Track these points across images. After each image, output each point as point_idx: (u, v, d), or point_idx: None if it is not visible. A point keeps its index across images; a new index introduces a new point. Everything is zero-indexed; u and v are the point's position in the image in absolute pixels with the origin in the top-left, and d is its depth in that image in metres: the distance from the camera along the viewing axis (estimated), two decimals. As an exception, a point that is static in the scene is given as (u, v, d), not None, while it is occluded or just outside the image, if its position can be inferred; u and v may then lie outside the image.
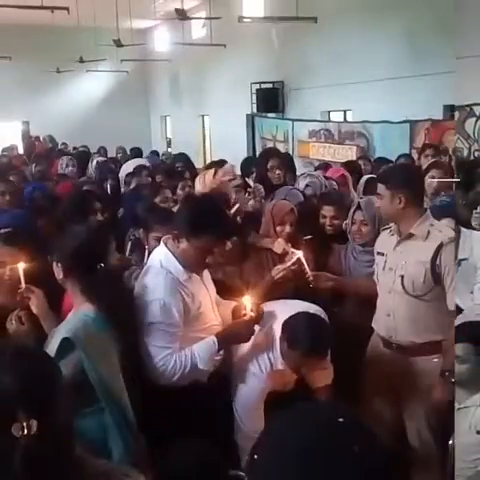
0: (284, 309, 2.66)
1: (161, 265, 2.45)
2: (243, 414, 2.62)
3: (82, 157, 9.38)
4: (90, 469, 1.17)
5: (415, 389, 2.88)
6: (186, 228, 2.42)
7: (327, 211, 3.62)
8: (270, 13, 11.21)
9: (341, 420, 0.88)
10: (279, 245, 3.12)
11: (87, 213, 3.66)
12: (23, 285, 2.41)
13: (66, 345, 2.10)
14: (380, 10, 9.47)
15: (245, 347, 2.62)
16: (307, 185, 4.31)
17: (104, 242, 2.55)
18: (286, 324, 2.54)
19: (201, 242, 2.41)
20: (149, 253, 3.23)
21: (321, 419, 0.91)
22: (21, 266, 2.43)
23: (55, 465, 1.05)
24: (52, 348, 2.10)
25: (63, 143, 13.51)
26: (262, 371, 2.61)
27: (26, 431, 1.01)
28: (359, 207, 3.30)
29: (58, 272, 2.28)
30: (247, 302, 2.51)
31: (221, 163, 5.27)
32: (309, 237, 3.37)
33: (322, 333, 2.49)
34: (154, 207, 3.98)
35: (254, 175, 4.59)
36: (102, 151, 11.15)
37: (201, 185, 4.00)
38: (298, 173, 5.20)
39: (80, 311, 2.22)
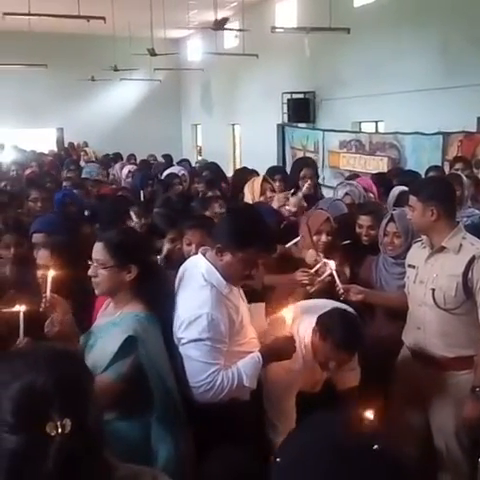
0: (318, 306, 2.72)
1: (204, 279, 2.37)
2: (275, 413, 2.61)
3: (106, 163, 9.69)
4: (118, 471, 1.18)
5: (444, 404, 2.84)
6: (232, 241, 2.36)
7: (364, 221, 3.59)
8: (303, 23, 11.23)
9: (361, 423, 0.93)
10: (310, 256, 3.13)
11: (124, 218, 3.75)
12: (48, 294, 2.40)
13: (129, 343, 2.15)
14: (414, 21, 9.42)
15: None
16: (346, 193, 4.32)
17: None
18: (320, 317, 2.59)
19: (247, 255, 2.36)
20: (164, 260, 3.27)
21: (342, 422, 0.95)
22: (50, 274, 2.44)
23: (86, 464, 1.07)
24: (103, 350, 2.17)
25: (83, 150, 13.67)
26: (292, 368, 2.59)
27: (60, 430, 1.03)
28: (392, 219, 3.27)
29: (123, 275, 2.26)
30: (287, 315, 2.48)
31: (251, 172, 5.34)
32: (348, 242, 3.37)
33: (354, 328, 2.54)
34: (188, 212, 4.04)
35: (277, 183, 4.61)
36: (133, 159, 11.32)
37: (249, 191, 4.00)
38: (329, 183, 5.22)
39: (126, 311, 2.27)
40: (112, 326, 2.26)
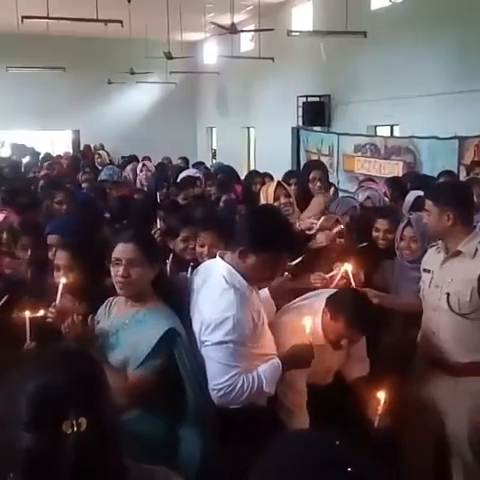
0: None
1: (227, 281, 2.34)
2: (285, 394, 2.59)
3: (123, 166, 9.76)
4: (133, 470, 1.20)
5: (458, 409, 2.83)
6: (256, 243, 2.34)
7: (381, 224, 3.56)
8: (319, 27, 11.23)
9: (337, 443, 0.91)
10: (321, 237, 3.17)
11: (152, 219, 3.82)
12: (57, 302, 2.39)
13: (167, 337, 2.17)
14: (430, 25, 9.37)
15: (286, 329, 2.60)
16: (368, 197, 4.33)
17: None
18: (330, 298, 2.61)
19: (271, 256, 2.35)
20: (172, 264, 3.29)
21: (318, 443, 0.93)
22: (62, 281, 2.45)
23: (101, 462, 1.09)
24: (135, 346, 2.19)
25: (97, 152, 13.80)
26: None
27: (76, 428, 1.04)
28: (409, 223, 3.26)
29: (152, 274, 2.30)
30: (307, 323, 2.47)
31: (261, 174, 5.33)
32: (365, 244, 3.37)
33: (364, 304, 2.57)
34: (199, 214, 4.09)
35: (292, 187, 4.63)
36: (147, 160, 11.37)
37: (263, 196, 4.03)
38: (343, 187, 5.24)
39: (148, 309, 2.29)
40: (136, 324, 2.26)
